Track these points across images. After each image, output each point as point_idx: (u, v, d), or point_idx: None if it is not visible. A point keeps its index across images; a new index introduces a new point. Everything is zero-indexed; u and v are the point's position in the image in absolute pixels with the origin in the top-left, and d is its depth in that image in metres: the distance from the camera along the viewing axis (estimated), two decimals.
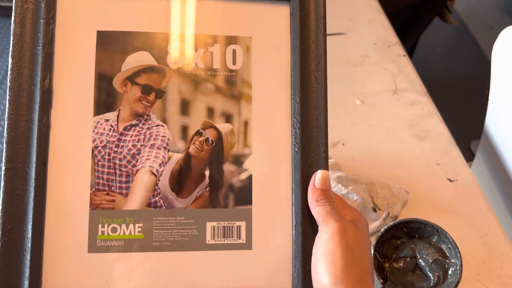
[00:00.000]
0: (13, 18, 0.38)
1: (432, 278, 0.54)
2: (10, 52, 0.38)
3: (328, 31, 0.99)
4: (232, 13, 0.42)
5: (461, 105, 1.91)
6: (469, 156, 1.61)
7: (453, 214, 0.63)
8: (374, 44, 0.89)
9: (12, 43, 0.38)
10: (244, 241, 0.40)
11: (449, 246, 0.55)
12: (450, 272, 0.54)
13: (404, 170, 0.68)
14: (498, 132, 0.84)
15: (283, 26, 0.42)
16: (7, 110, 0.37)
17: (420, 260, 0.56)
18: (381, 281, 0.53)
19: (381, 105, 0.78)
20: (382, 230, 0.56)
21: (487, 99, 0.86)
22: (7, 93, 0.37)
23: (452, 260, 0.55)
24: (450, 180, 0.67)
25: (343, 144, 0.71)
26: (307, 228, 0.40)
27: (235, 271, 0.39)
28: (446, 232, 0.55)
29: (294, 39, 0.41)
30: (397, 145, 0.72)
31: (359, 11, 0.97)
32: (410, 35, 1.56)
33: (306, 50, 0.41)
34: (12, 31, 0.38)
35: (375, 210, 0.61)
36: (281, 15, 0.42)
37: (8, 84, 0.38)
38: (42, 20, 0.38)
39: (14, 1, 0.39)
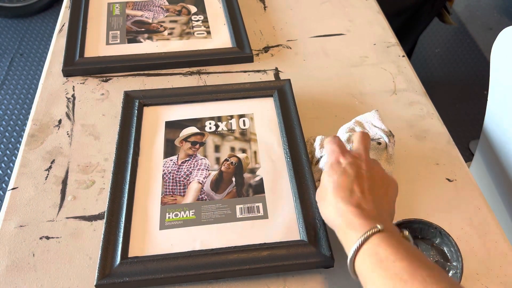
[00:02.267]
0: (118, 123, 0.69)
1: None
2: (118, 132, 0.67)
3: (327, 32, 0.99)
4: (243, 106, 0.72)
5: (460, 105, 1.91)
6: (468, 156, 1.61)
7: (452, 214, 0.63)
8: (373, 44, 0.89)
9: (119, 132, 0.67)
10: (262, 214, 0.59)
11: (451, 249, 0.55)
12: (450, 274, 0.54)
13: (403, 170, 0.68)
14: (497, 132, 0.84)
15: (271, 106, 0.72)
16: (114, 156, 0.64)
17: None
18: None
19: (381, 106, 0.78)
20: None
21: (486, 99, 0.86)
22: (115, 148, 0.65)
23: (453, 263, 0.55)
24: (449, 180, 0.67)
25: None
26: (302, 201, 0.60)
27: (257, 232, 0.57)
28: (449, 235, 0.55)
29: (277, 109, 0.71)
30: (396, 145, 0.72)
31: (358, 12, 0.97)
32: (409, 35, 1.57)
33: (286, 113, 0.70)
34: (118, 131, 0.68)
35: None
36: (269, 102, 0.73)
37: (116, 145, 0.65)
38: (135, 118, 0.69)
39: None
